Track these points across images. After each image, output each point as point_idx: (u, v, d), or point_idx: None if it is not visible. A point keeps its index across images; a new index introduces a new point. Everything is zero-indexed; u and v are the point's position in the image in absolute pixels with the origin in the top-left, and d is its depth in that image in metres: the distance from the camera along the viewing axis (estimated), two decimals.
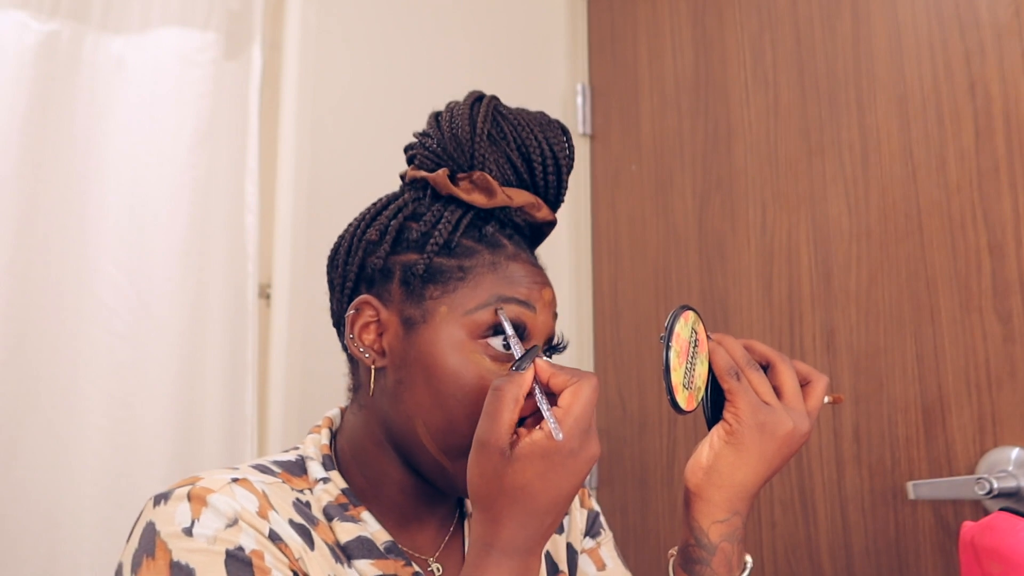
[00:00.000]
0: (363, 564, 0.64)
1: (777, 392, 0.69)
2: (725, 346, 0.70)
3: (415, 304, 0.67)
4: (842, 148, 1.24)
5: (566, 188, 0.74)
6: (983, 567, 0.92)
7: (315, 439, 0.72)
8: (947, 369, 1.09)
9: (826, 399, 0.72)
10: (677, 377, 0.65)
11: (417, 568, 0.67)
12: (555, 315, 0.71)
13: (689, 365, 0.67)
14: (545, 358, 0.61)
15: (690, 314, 0.68)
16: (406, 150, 0.77)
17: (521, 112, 0.73)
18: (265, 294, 1.34)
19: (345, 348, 0.73)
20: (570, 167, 0.73)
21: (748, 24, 1.41)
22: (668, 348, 0.65)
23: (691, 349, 0.68)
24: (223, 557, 0.58)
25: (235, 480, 0.63)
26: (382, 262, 0.69)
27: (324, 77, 1.40)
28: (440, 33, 1.55)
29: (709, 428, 0.70)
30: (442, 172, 0.70)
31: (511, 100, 0.75)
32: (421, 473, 0.68)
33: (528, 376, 0.59)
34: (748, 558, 0.70)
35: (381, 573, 0.65)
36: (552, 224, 0.74)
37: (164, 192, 1.26)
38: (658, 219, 1.52)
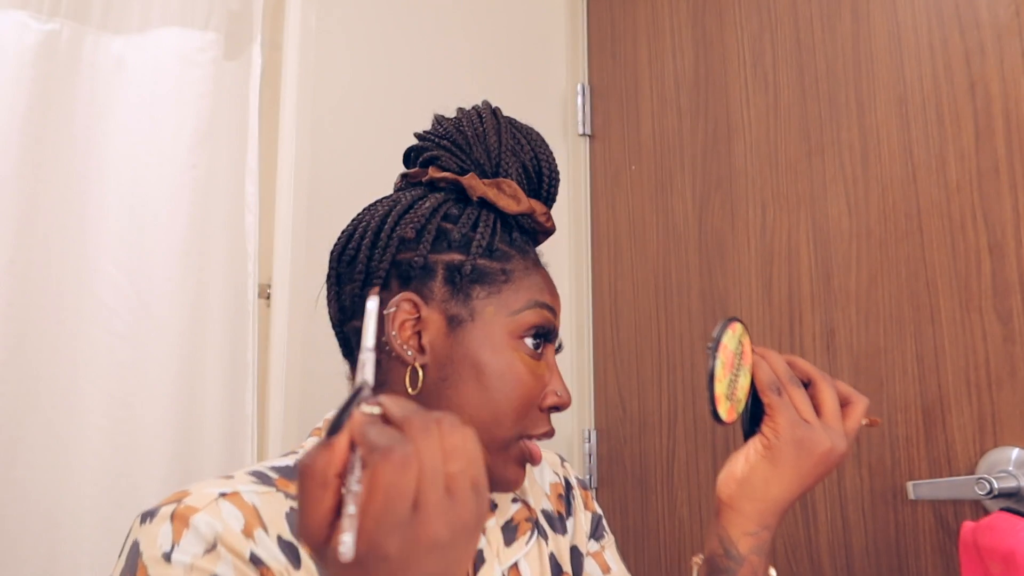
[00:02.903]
0: None
1: (817, 410, 0.69)
2: (768, 360, 0.70)
3: (461, 303, 0.68)
4: (842, 148, 1.24)
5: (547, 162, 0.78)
6: (984, 567, 0.92)
7: (316, 441, 0.71)
8: (947, 369, 1.09)
9: (863, 421, 0.72)
10: (721, 388, 0.66)
11: None
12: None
13: (732, 377, 0.67)
14: (376, 400, 0.44)
15: (737, 326, 0.69)
16: (417, 151, 0.77)
17: (524, 126, 0.77)
18: (265, 294, 1.34)
19: (345, 349, 0.73)
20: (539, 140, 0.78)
21: (748, 24, 1.41)
22: (715, 359, 0.65)
23: (736, 361, 0.68)
24: None
25: (224, 495, 0.62)
26: (423, 260, 0.69)
27: (324, 77, 1.40)
28: (440, 33, 1.55)
29: (745, 440, 0.71)
30: (473, 175, 0.72)
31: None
32: None
33: (339, 448, 0.42)
34: (772, 572, 0.71)
35: None
36: (549, 234, 0.78)
37: (164, 192, 1.26)
38: (658, 219, 1.52)
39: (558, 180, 0.76)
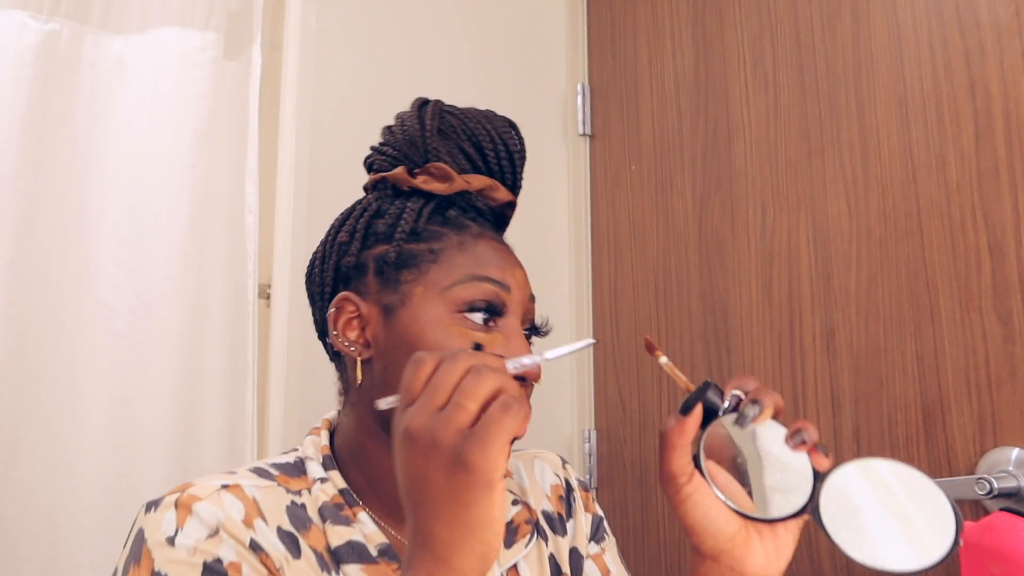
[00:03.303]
0: (352, 568, 0.64)
1: None
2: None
3: (392, 291, 0.69)
4: (842, 148, 1.24)
5: (521, 173, 0.77)
6: (984, 567, 0.92)
7: (315, 440, 0.72)
8: (947, 369, 1.09)
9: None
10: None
11: None
12: (531, 296, 0.72)
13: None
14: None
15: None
16: (364, 162, 0.80)
17: (468, 108, 0.77)
18: (265, 294, 1.34)
19: (331, 355, 0.75)
20: (522, 154, 0.77)
21: (748, 24, 1.41)
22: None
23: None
24: (200, 569, 0.59)
25: (225, 487, 0.64)
26: (355, 259, 0.72)
27: (324, 77, 1.40)
28: (440, 33, 1.55)
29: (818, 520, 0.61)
30: (400, 169, 0.74)
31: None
32: None
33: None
34: None
35: None
36: (512, 205, 0.77)
37: (164, 192, 1.26)
38: (658, 219, 1.52)
39: (511, 152, 0.75)
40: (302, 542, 0.64)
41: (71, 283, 1.20)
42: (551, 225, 1.64)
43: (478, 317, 0.67)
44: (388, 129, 0.79)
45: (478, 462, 0.46)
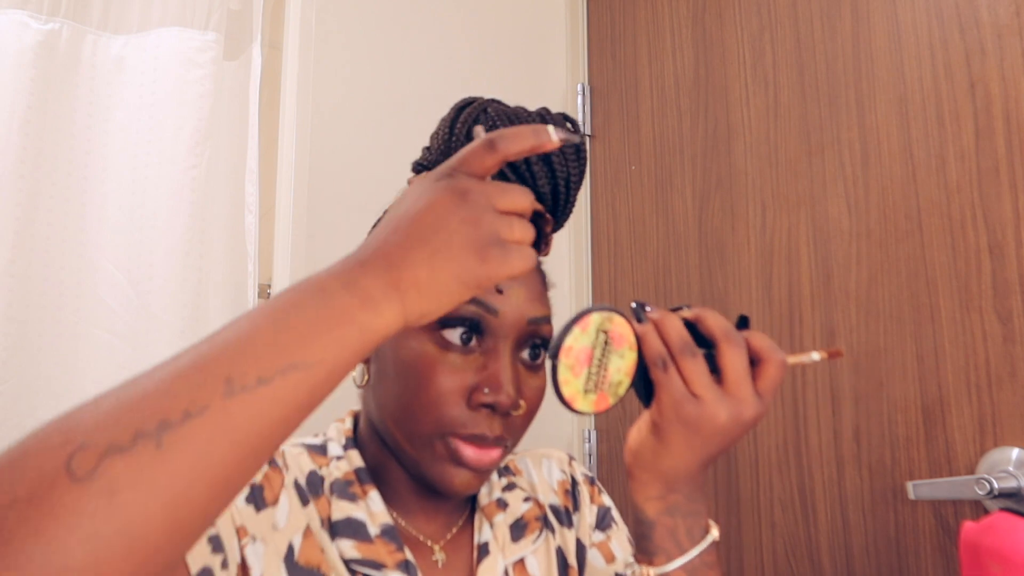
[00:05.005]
0: (346, 544, 0.65)
1: (721, 376, 0.62)
2: (662, 328, 0.63)
3: None
4: (842, 148, 1.24)
5: (565, 174, 0.68)
6: (984, 567, 0.92)
7: (338, 426, 0.75)
8: (947, 369, 1.09)
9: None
10: (575, 386, 0.61)
11: (408, 556, 0.67)
12: (535, 319, 0.67)
13: (595, 368, 0.62)
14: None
15: (592, 318, 0.62)
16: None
17: (515, 108, 0.71)
18: (265, 294, 1.34)
19: None
20: (571, 154, 0.69)
21: (748, 24, 1.41)
22: (555, 366, 0.60)
23: (600, 351, 0.62)
24: None
25: None
26: None
27: (324, 77, 1.40)
28: (440, 33, 1.55)
29: (646, 407, 0.67)
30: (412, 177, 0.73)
31: (511, 100, 0.74)
32: (402, 463, 0.70)
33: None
34: (713, 531, 0.66)
35: (361, 556, 0.65)
36: (540, 215, 0.68)
37: (164, 192, 1.26)
38: (658, 219, 1.52)
39: (547, 155, 0.69)
40: (311, 503, 0.67)
41: (71, 283, 1.20)
42: None
43: (455, 335, 0.64)
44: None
45: (500, 266, 0.47)
